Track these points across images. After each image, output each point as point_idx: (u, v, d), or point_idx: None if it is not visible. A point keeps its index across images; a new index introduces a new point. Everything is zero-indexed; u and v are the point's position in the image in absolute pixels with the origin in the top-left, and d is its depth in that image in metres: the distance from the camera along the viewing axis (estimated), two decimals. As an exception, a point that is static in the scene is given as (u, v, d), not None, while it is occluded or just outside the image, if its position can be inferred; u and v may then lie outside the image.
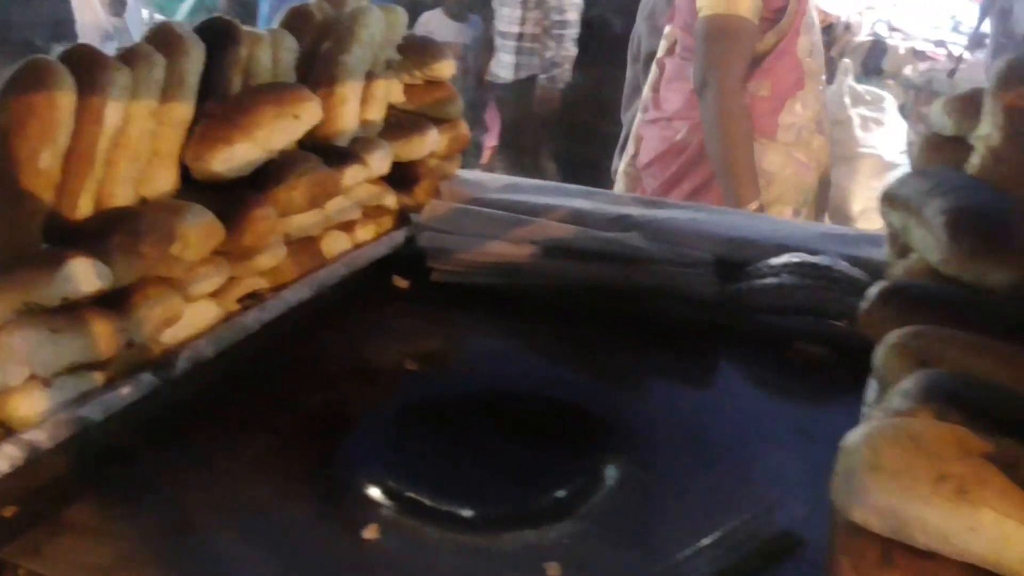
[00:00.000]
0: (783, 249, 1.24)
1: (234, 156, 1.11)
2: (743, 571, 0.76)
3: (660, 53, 2.50)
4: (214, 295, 1.10)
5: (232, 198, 1.10)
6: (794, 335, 1.17)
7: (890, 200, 0.99)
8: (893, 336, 0.77)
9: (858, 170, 3.35)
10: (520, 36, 4.33)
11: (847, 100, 3.47)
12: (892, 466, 0.57)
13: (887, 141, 3.46)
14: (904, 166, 3.29)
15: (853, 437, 0.60)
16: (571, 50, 4.29)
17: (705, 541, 0.78)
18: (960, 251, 0.85)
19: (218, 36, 1.17)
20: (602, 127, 3.49)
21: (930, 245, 0.89)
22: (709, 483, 0.91)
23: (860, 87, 3.63)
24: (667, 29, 2.48)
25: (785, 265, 1.20)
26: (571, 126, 4.30)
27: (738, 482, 0.91)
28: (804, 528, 0.83)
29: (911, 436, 0.59)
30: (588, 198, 1.46)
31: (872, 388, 0.95)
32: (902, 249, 1.03)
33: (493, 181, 1.53)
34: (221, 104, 1.14)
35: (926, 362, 0.73)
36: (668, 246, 1.29)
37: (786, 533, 0.82)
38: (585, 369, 1.13)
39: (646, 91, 2.52)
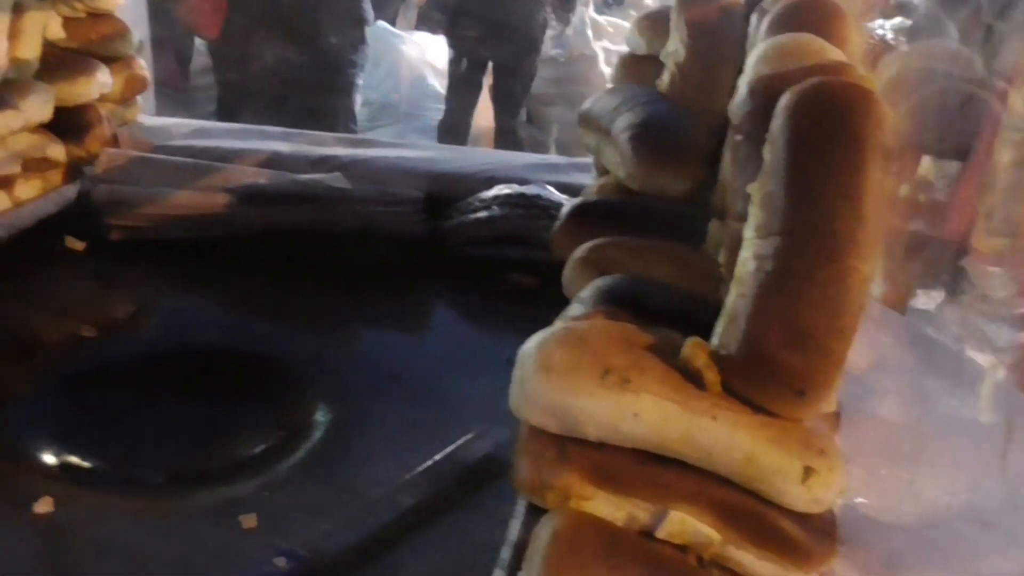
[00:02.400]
0: (493, 182, 1.31)
1: None
2: (447, 499, 0.82)
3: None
4: None
5: None
6: (506, 268, 1.25)
7: (585, 120, 1.08)
8: (578, 251, 0.85)
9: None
10: None
11: (590, 33, 3.62)
12: (561, 366, 0.64)
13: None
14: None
15: (527, 345, 0.67)
16: None
17: (409, 475, 0.83)
18: (642, 165, 0.94)
19: None
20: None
21: (617, 161, 0.98)
22: (415, 420, 0.96)
23: (602, 19, 3.81)
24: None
25: (495, 197, 1.27)
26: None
27: (445, 416, 0.96)
28: (510, 452, 0.89)
29: (579, 337, 0.66)
30: (287, 140, 1.45)
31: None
32: (602, 170, 1.13)
33: (179, 127, 1.48)
34: None
35: (606, 271, 0.81)
36: (374, 186, 1.32)
37: (490, 458, 0.88)
38: (286, 320, 1.14)
39: None
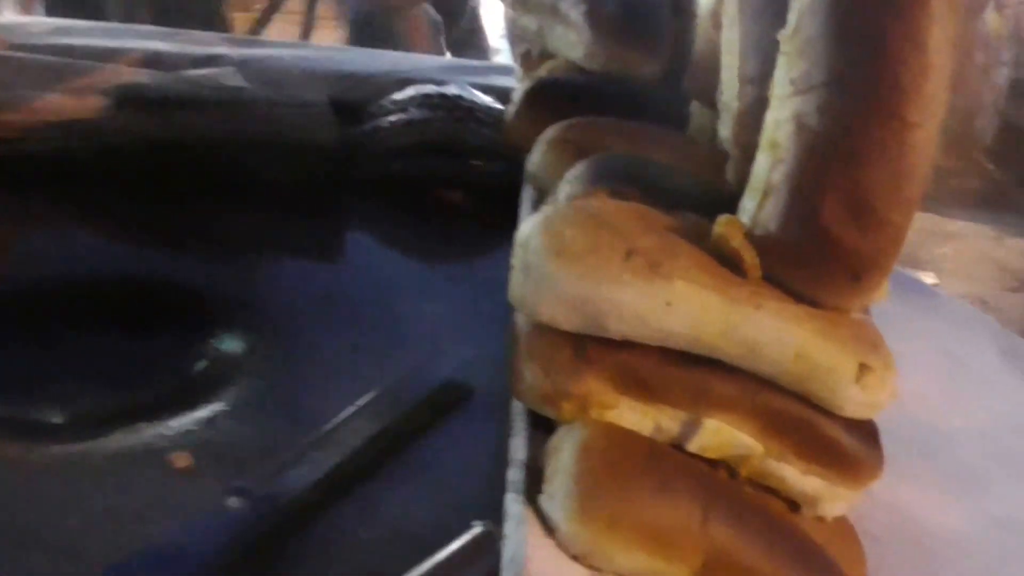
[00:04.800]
0: (407, 83, 1.15)
1: None
2: (409, 426, 0.67)
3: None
4: None
5: None
6: (430, 180, 1.10)
7: (522, 2, 0.93)
8: (548, 132, 0.71)
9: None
10: None
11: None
12: (576, 248, 0.50)
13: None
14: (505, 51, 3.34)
15: (528, 227, 0.53)
16: None
17: (361, 401, 0.68)
18: (604, 42, 0.81)
19: None
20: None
21: (572, 41, 0.84)
22: (355, 346, 0.80)
23: None
24: None
25: (411, 99, 1.11)
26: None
27: (389, 340, 0.81)
28: (469, 375, 0.75)
29: (591, 214, 0.52)
30: (166, 39, 1.24)
31: (528, 205, 0.90)
32: (537, 63, 0.99)
33: (38, 25, 1.25)
34: None
35: (586, 152, 0.67)
36: (273, 88, 1.13)
37: (450, 382, 0.74)
38: (189, 243, 0.96)
39: None
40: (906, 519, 0.61)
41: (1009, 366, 0.91)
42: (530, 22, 0.91)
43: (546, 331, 0.52)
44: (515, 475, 0.50)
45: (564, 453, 0.48)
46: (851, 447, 0.54)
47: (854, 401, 0.52)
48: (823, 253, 0.51)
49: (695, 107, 0.75)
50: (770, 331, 0.51)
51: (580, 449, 0.48)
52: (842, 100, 0.51)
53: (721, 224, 0.53)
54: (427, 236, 1.05)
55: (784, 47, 0.55)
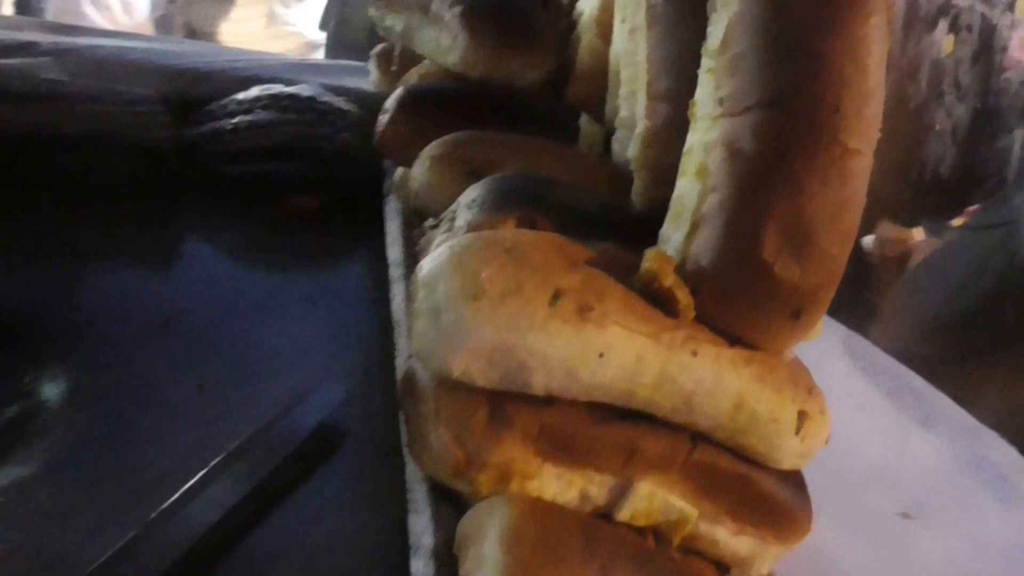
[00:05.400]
0: (252, 82, 1.03)
1: None
2: (273, 488, 0.57)
3: None
4: None
5: None
6: (280, 185, 0.98)
7: (387, 0, 0.84)
8: (433, 148, 0.63)
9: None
10: None
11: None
12: (496, 290, 0.42)
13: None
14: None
15: (432, 265, 0.44)
16: None
17: (214, 461, 0.57)
18: (482, 47, 0.73)
19: None
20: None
21: (445, 45, 0.76)
22: (201, 384, 0.68)
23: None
24: None
25: (257, 99, 0.99)
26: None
27: (242, 375, 0.70)
28: (339, 416, 0.65)
29: (507, 249, 0.45)
30: (-36, 22, 1.06)
31: (395, 220, 0.81)
32: (401, 63, 0.90)
33: None
34: None
35: (477, 171, 0.60)
36: (97, 82, 0.99)
37: (319, 429, 0.63)
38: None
39: None
40: (829, 567, 0.58)
41: (865, 378, 0.90)
42: (395, 22, 0.83)
43: (458, 389, 0.44)
44: (423, 568, 0.42)
45: (489, 543, 0.40)
46: (784, 502, 0.49)
47: (792, 453, 0.48)
48: (762, 290, 0.46)
49: (585, 120, 0.69)
50: (708, 380, 0.45)
51: (508, 537, 0.40)
52: (780, 123, 0.46)
53: (650, 259, 0.46)
54: (279, 249, 0.93)
55: (709, 63, 0.50)
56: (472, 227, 0.50)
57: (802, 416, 0.47)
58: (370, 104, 1.00)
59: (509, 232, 0.47)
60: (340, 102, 1.01)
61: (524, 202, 0.51)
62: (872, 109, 0.47)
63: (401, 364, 0.60)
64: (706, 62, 0.50)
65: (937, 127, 0.72)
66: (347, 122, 0.99)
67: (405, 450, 0.49)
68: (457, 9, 0.74)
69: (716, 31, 0.49)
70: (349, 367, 0.70)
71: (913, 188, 0.76)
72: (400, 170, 0.79)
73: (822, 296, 0.47)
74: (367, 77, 1.08)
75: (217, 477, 0.55)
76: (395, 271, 0.72)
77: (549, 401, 0.44)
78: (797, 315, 0.47)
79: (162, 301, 0.79)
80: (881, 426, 0.80)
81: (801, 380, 0.49)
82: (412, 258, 0.72)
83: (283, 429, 0.60)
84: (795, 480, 0.50)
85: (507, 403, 0.43)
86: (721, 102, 0.48)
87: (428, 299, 0.43)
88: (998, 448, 0.83)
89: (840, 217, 0.46)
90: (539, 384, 0.43)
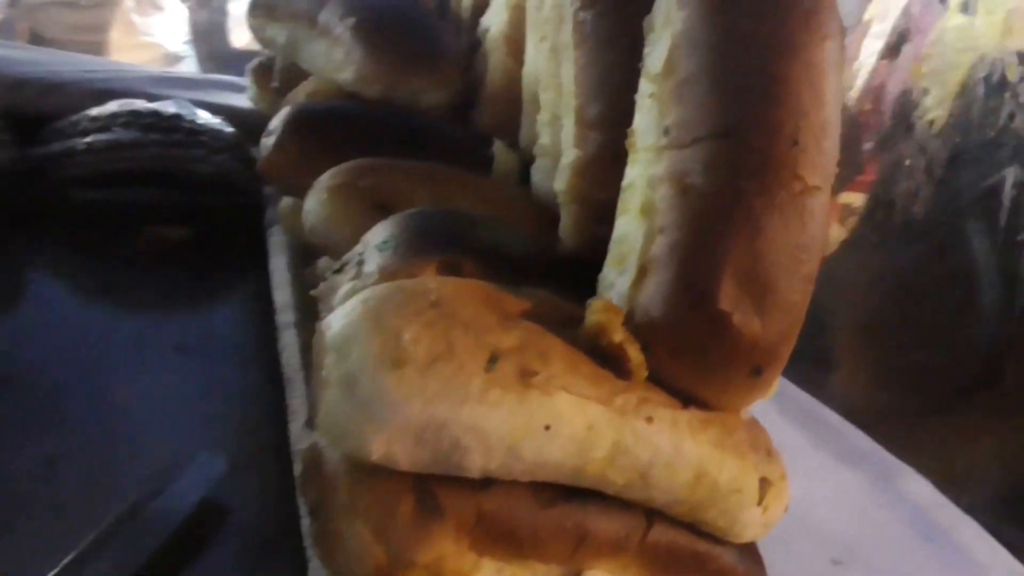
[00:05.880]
0: (108, 96, 0.92)
1: None
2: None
3: None
4: None
5: None
6: (143, 214, 0.88)
7: (266, 8, 0.76)
8: (331, 177, 0.55)
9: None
10: None
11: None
12: (422, 355, 0.36)
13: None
14: (191, 56, 3.04)
15: (343, 323, 0.37)
16: None
17: (69, 558, 0.47)
18: (380, 64, 0.66)
19: None
20: None
21: (338, 60, 0.68)
22: (52, 457, 0.58)
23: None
24: None
25: (115, 116, 0.89)
26: None
27: (103, 443, 0.60)
28: (222, 494, 0.56)
29: (432, 303, 0.38)
30: None
31: (281, 256, 0.73)
32: (284, 79, 0.82)
33: None
34: None
35: (383, 204, 0.53)
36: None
37: (197, 509, 0.54)
38: None
39: None
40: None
41: (782, 415, 0.88)
42: (278, 33, 0.75)
43: (377, 474, 0.36)
44: None
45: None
46: (745, 578, 0.44)
47: (755, 524, 0.43)
48: (721, 344, 0.41)
49: (499, 148, 0.63)
50: (666, 450, 0.40)
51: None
52: (735, 156, 0.41)
53: (597, 311, 0.40)
54: (143, 289, 0.83)
55: (651, 87, 0.44)
56: (385, 274, 0.43)
57: (764, 483, 0.42)
58: (248, 123, 0.92)
59: (432, 281, 0.40)
60: (213, 120, 0.92)
61: (446, 243, 0.44)
62: (830, 141, 0.43)
63: (297, 430, 0.52)
64: (647, 86, 0.45)
65: (907, 162, 0.70)
66: (222, 143, 0.89)
67: (309, 545, 0.41)
68: (351, 20, 0.67)
69: (657, 52, 0.44)
70: (232, 432, 0.61)
71: (879, 231, 0.73)
72: (286, 198, 0.71)
73: (784, 349, 0.42)
74: (243, 93, 0.99)
75: (85, 564, 0.46)
76: (284, 316, 0.64)
77: (486, 483, 0.37)
78: (758, 371, 0.42)
79: None
80: (803, 467, 0.77)
81: (760, 442, 0.44)
82: (304, 301, 0.64)
83: (154, 511, 0.51)
84: (752, 551, 0.46)
85: (437, 489, 0.36)
86: (667, 131, 0.43)
87: (340, 366, 0.36)
88: (915, 484, 0.81)
89: (801, 261, 0.42)
90: (476, 465, 0.36)
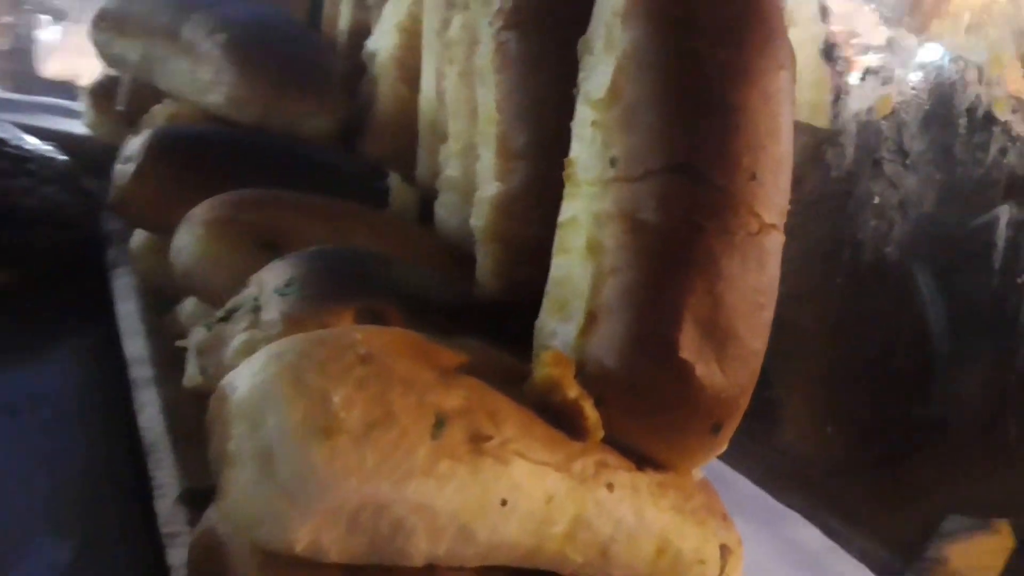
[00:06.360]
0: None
1: None
2: None
3: None
4: None
5: None
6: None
7: (115, 21, 0.68)
8: (207, 210, 0.48)
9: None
10: None
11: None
12: (357, 419, 0.29)
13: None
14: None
15: (252, 383, 0.30)
16: None
17: None
18: (256, 88, 0.59)
19: None
20: None
21: (204, 81, 0.61)
22: None
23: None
24: None
25: (-75, 141, 0.77)
26: None
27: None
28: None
29: (363, 358, 0.32)
30: None
31: (129, 308, 0.64)
32: (132, 102, 0.73)
33: None
34: None
35: (271, 243, 0.46)
36: None
37: None
38: None
39: None
40: None
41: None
42: (129, 50, 0.66)
43: (296, 567, 0.30)
44: None
45: None
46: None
47: (715, 599, 0.38)
48: (683, 398, 0.36)
49: (395, 180, 0.57)
50: (628, 521, 0.35)
51: None
52: (692, 192, 0.37)
53: (547, 364, 0.35)
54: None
55: (592, 114, 0.40)
56: (292, 322, 0.36)
57: (724, 551, 0.38)
58: (84, 151, 0.82)
59: (356, 331, 0.34)
60: (42, 147, 0.81)
61: (362, 287, 0.38)
62: (785, 176, 0.40)
63: (166, 508, 0.44)
64: (587, 113, 0.40)
65: (876, 200, 0.68)
66: (52, 172, 0.79)
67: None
68: (221, 38, 0.60)
69: (598, 76, 0.40)
70: (78, 512, 0.51)
71: (845, 273, 0.71)
72: (139, 235, 0.63)
73: (744, 402, 0.38)
74: (77, 118, 0.89)
75: None
76: (139, 371, 0.55)
77: (429, 571, 0.31)
78: (719, 427, 0.38)
79: None
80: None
81: (715, 506, 0.40)
82: (163, 353, 0.55)
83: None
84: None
85: (373, 583, 0.30)
86: (613, 163, 0.39)
87: (254, 438, 0.29)
88: (803, 530, 0.80)
89: (760, 305, 0.38)
90: (421, 551, 0.30)
